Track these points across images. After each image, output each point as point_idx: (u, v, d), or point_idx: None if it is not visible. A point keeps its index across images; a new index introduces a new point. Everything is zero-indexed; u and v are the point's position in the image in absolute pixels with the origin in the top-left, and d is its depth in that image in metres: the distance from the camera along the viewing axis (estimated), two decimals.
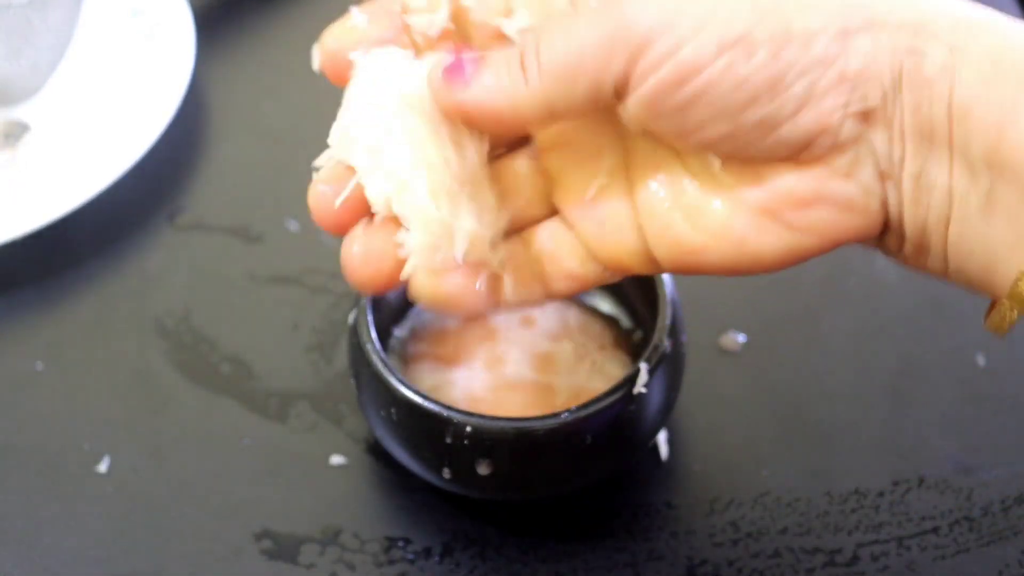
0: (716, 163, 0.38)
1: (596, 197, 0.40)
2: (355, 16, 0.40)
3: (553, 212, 0.41)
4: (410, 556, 0.49)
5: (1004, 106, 0.34)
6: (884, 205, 0.37)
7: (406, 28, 0.40)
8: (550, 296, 0.41)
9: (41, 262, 0.59)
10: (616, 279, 0.41)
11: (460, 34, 0.40)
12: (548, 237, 0.41)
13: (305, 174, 0.64)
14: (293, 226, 0.61)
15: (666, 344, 0.47)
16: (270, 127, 0.66)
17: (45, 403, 0.54)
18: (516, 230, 0.41)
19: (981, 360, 0.55)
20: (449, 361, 0.51)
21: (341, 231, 0.39)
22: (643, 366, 0.46)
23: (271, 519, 0.50)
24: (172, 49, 0.65)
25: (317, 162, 0.40)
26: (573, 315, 0.52)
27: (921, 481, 0.51)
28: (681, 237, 0.39)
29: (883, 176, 0.36)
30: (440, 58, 0.38)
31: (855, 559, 0.49)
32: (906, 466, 0.51)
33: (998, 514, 0.50)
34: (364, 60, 0.40)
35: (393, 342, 0.52)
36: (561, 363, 0.51)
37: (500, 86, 0.37)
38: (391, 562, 0.49)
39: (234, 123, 0.66)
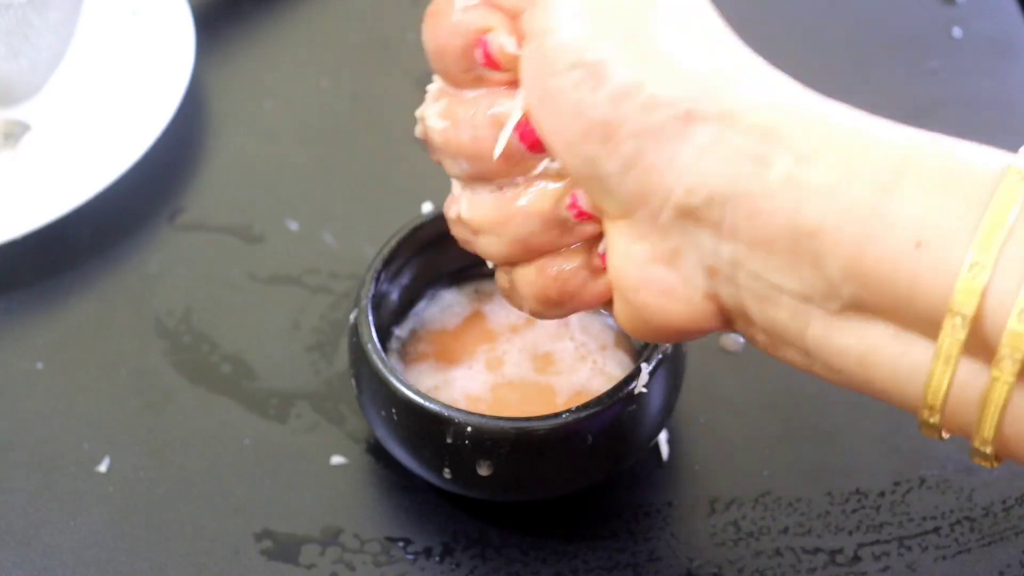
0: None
1: None
2: None
3: None
4: (410, 556, 0.49)
5: (862, 219, 0.32)
6: (715, 298, 0.35)
7: None
8: None
9: (41, 262, 0.59)
10: None
11: None
12: None
13: (305, 174, 0.64)
14: (293, 226, 0.61)
15: (667, 344, 0.47)
16: (270, 127, 0.66)
17: (45, 403, 0.54)
18: None
19: None
20: (449, 361, 0.51)
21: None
22: (643, 366, 0.46)
23: (271, 519, 0.50)
24: (172, 49, 0.65)
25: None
26: (574, 315, 0.52)
27: (922, 481, 0.51)
28: None
29: (711, 272, 0.35)
30: None
31: (856, 559, 0.49)
32: (907, 466, 0.51)
33: (999, 514, 0.50)
34: None
35: (393, 342, 0.52)
36: (561, 363, 0.51)
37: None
38: (391, 562, 0.49)
39: (234, 123, 0.66)
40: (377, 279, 0.49)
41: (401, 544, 0.49)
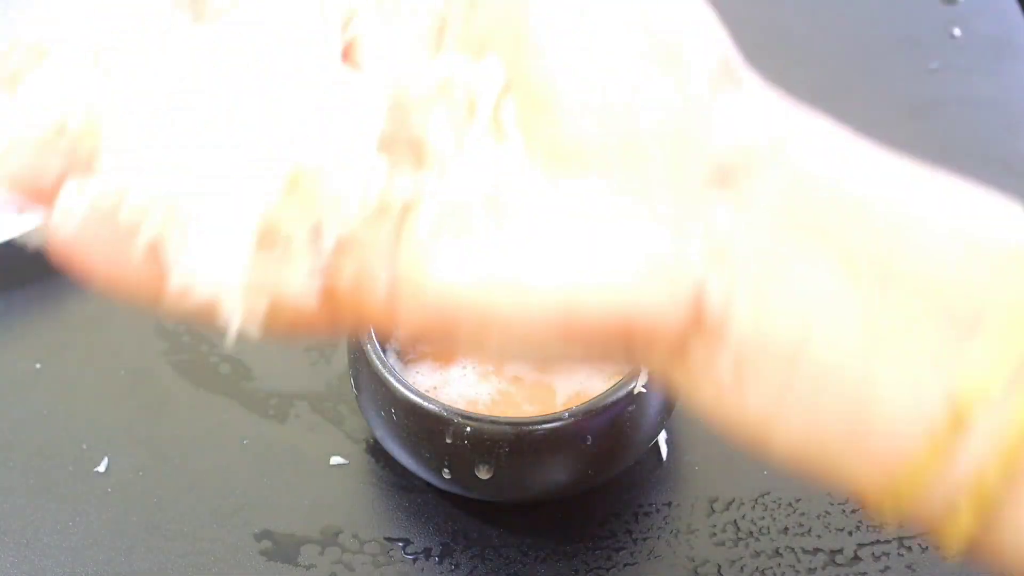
0: None
1: None
2: None
3: None
4: (410, 556, 0.49)
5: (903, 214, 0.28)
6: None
7: None
8: None
9: (41, 262, 0.59)
10: None
11: None
12: None
13: None
14: None
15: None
16: None
17: (45, 403, 0.54)
18: None
19: None
20: (448, 361, 0.51)
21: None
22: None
23: (271, 519, 0.50)
24: None
25: None
26: None
27: None
28: None
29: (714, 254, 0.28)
30: None
31: (856, 559, 0.49)
32: None
33: None
34: None
35: (392, 342, 0.52)
36: None
37: None
38: (390, 562, 0.49)
39: None
40: None
41: (400, 544, 0.49)
